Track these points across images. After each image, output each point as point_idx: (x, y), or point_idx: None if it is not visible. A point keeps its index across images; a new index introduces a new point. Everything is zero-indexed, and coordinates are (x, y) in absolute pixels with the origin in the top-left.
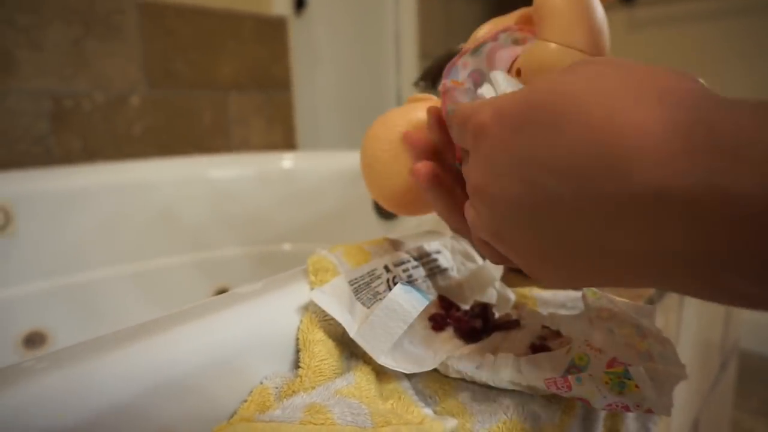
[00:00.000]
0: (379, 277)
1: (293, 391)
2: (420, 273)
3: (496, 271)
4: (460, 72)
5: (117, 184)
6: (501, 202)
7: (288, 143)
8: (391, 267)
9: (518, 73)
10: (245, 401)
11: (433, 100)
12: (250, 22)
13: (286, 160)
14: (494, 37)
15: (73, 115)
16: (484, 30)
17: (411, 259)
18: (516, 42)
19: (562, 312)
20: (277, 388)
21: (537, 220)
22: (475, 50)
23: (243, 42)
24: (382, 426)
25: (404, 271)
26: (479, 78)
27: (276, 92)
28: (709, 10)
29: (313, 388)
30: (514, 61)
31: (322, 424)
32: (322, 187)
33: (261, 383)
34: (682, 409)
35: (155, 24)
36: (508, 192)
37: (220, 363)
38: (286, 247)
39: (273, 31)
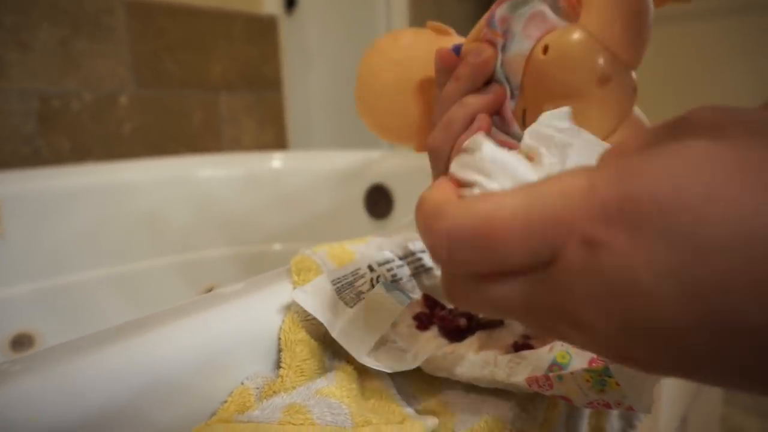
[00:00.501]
0: (362, 277)
1: (274, 392)
2: (405, 272)
3: None
4: (497, 24)
5: (105, 185)
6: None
7: (279, 143)
8: (375, 266)
9: (545, 50)
10: (225, 402)
11: (454, 37)
12: (240, 22)
13: (276, 161)
14: None
15: (62, 116)
16: None
17: (395, 258)
18: (557, 11)
19: None
20: (257, 388)
21: None
22: (517, 5)
23: (233, 41)
24: (363, 426)
25: (388, 270)
26: (510, 40)
27: (267, 92)
28: (708, 8)
29: (294, 388)
30: (545, 34)
31: (302, 424)
32: (313, 188)
33: (242, 384)
34: (670, 405)
35: (144, 23)
36: None
37: (201, 363)
38: (277, 247)
39: (264, 30)
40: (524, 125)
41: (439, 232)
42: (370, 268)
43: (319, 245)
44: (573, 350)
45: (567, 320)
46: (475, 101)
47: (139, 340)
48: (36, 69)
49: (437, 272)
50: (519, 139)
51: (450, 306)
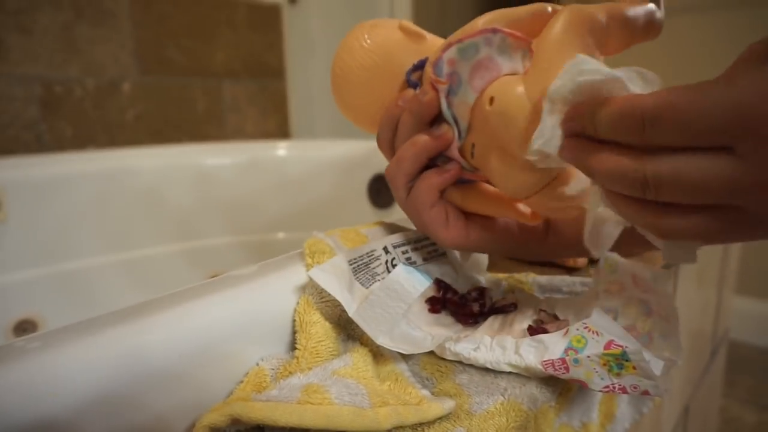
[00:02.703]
0: (378, 258)
1: (290, 372)
2: (418, 256)
3: (484, 258)
4: (444, 66)
5: (108, 171)
6: None
7: (282, 132)
8: (390, 249)
9: (491, 101)
10: (241, 382)
11: (425, 41)
12: (243, 10)
13: (280, 149)
14: (488, 40)
15: (64, 102)
16: (483, 21)
17: (410, 241)
18: (504, 53)
19: (558, 296)
20: (273, 369)
21: None
22: (465, 50)
23: (237, 29)
24: (380, 406)
25: (403, 253)
26: (456, 84)
27: (270, 81)
28: (701, 2)
29: (310, 369)
30: (490, 83)
31: (320, 404)
32: (317, 177)
33: (257, 365)
34: (674, 395)
35: (147, 10)
36: None
37: (215, 345)
38: (280, 235)
39: (267, 18)
40: (473, 158)
41: (638, 112)
42: (386, 251)
43: (332, 230)
44: (588, 334)
45: None
46: (422, 142)
47: (153, 320)
48: (38, 54)
49: (450, 257)
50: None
51: (462, 291)
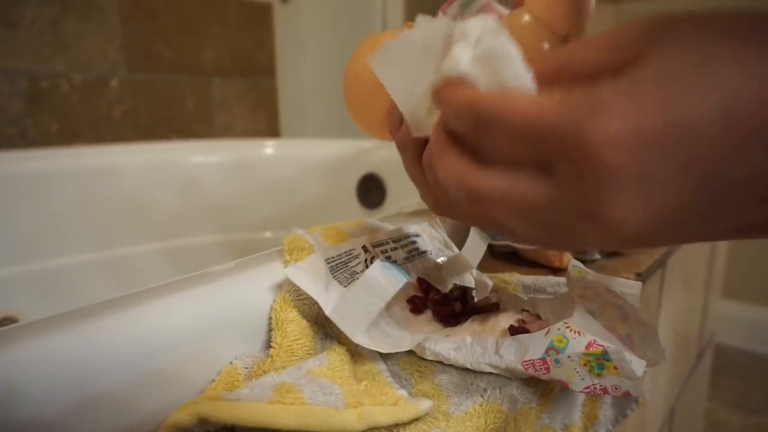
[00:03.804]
0: (357, 257)
1: (263, 371)
2: (399, 255)
3: (474, 258)
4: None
5: (92, 167)
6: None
7: (272, 131)
8: (369, 248)
9: None
10: (213, 381)
11: None
12: (234, 7)
13: (268, 148)
14: None
15: (50, 97)
16: None
17: (390, 240)
18: (501, 1)
19: (542, 297)
20: (247, 368)
21: None
22: (466, 2)
23: (227, 27)
24: (355, 407)
25: (383, 252)
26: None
27: (260, 79)
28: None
29: (284, 367)
30: None
31: (292, 403)
32: (305, 176)
33: (231, 363)
34: (659, 398)
35: (136, 5)
36: None
37: (189, 342)
38: (267, 235)
39: (258, 16)
40: None
41: (466, 109)
42: (365, 249)
43: (313, 226)
44: (570, 334)
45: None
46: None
47: (125, 316)
48: (24, 48)
49: (431, 257)
50: None
51: (444, 290)
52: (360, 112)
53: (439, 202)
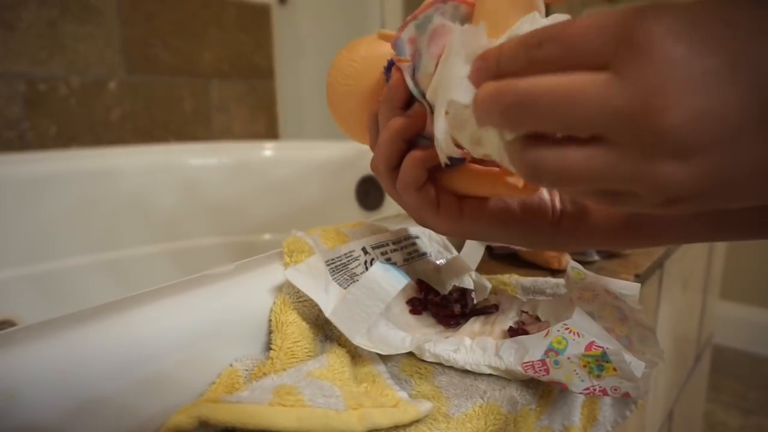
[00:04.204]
0: (356, 259)
1: (264, 373)
2: (398, 257)
3: (473, 260)
4: (405, 46)
5: (92, 170)
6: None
7: (271, 133)
8: (369, 249)
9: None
10: (213, 383)
11: None
12: (232, 9)
13: (267, 150)
14: (441, 9)
15: (48, 99)
16: None
17: (389, 242)
18: (456, 19)
19: (541, 298)
20: (247, 370)
21: None
22: (420, 24)
23: (225, 29)
24: (355, 409)
25: (383, 254)
26: (418, 59)
27: (259, 81)
28: None
29: (284, 369)
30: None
31: (292, 406)
32: (304, 178)
33: (231, 365)
34: (658, 400)
35: (135, 8)
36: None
37: (189, 344)
38: (266, 237)
39: (256, 18)
40: None
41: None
42: (364, 251)
43: (312, 228)
44: (569, 336)
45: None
46: (395, 124)
47: (124, 319)
48: (22, 51)
49: (430, 259)
50: None
51: (443, 292)
52: (342, 123)
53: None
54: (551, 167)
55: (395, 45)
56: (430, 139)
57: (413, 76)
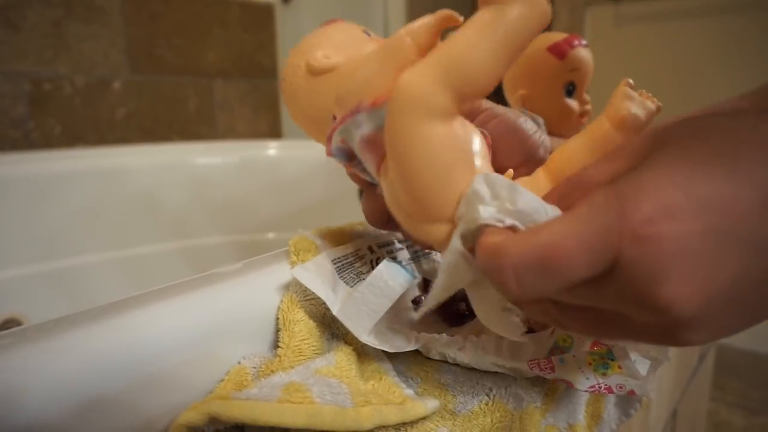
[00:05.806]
0: (362, 258)
1: (272, 371)
2: (404, 255)
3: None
4: (341, 154)
5: (98, 169)
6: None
7: (274, 132)
8: (375, 248)
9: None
10: (222, 381)
11: (338, 66)
12: (236, 9)
13: (272, 149)
14: (356, 122)
15: (53, 99)
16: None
17: (395, 241)
18: (380, 119)
19: None
20: (255, 368)
21: None
22: (344, 132)
23: (229, 29)
24: (363, 406)
25: (389, 252)
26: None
27: (262, 80)
28: (694, 7)
29: (292, 367)
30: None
31: (301, 402)
32: (308, 177)
33: (239, 363)
34: (662, 399)
35: (139, 8)
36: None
37: (197, 342)
38: (271, 236)
39: (260, 18)
40: None
41: (506, 267)
42: (371, 250)
43: (318, 228)
44: (574, 334)
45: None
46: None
47: (132, 317)
48: (27, 51)
49: (436, 257)
50: None
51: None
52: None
53: None
54: None
55: (334, 153)
56: None
57: (364, 170)
